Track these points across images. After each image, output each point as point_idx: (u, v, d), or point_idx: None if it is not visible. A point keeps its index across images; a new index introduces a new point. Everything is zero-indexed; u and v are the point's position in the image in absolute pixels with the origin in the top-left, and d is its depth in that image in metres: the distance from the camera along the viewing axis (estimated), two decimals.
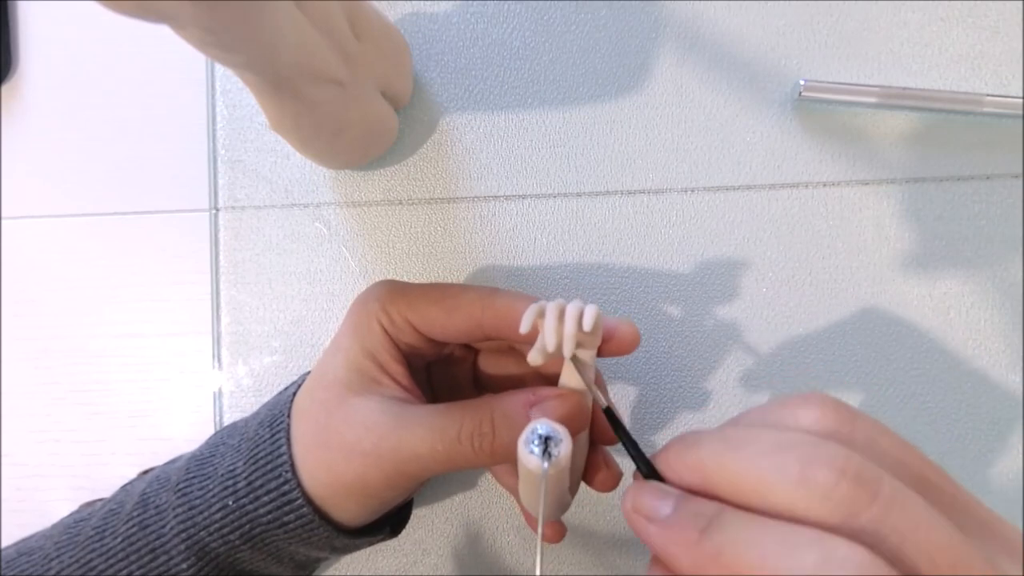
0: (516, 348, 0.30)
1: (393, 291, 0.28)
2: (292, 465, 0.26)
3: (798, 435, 0.18)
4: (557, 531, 0.30)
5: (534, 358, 0.23)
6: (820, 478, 0.16)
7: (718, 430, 0.20)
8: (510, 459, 0.27)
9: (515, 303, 0.26)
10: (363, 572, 0.35)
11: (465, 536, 0.35)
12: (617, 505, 0.35)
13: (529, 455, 0.21)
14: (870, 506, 0.16)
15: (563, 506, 0.28)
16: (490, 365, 0.31)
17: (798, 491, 0.17)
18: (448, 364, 0.31)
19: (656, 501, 0.19)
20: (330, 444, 0.26)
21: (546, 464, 0.21)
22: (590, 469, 0.28)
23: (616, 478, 0.28)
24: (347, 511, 0.26)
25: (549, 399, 0.24)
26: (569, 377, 0.25)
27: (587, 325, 0.22)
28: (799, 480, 0.17)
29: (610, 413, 0.24)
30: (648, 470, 0.21)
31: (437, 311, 0.27)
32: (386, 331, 0.27)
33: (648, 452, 0.22)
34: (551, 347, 0.22)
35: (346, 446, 0.25)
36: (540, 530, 0.22)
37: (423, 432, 0.24)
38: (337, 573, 0.35)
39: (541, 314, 0.23)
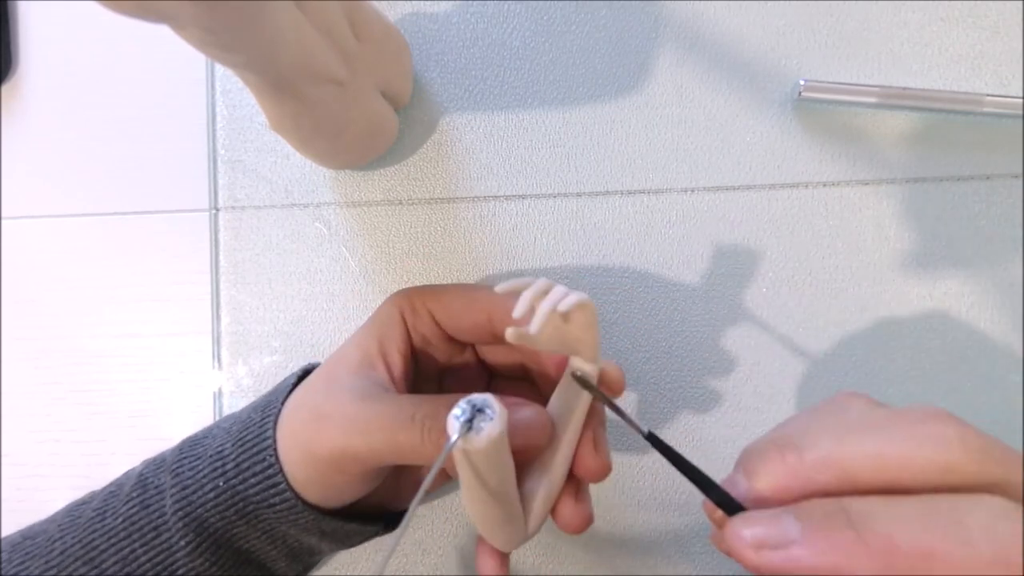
0: (533, 376, 0.30)
1: (422, 286, 0.29)
2: (275, 449, 0.26)
3: (913, 411, 0.20)
4: (502, 563, 0.27)
5: (509, 333, 0.22)
6: (957, 451, 0.18)
7: (826, 428, 0.20)
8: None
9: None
10: (363, 572, 0.35)
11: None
12: (616, 504, 0.35)
13: (451, 419, 0.19)
14: (996, 464, 0.18)
15: (514, 525, 0.24)
16: (505, 388, 0.31)
17: (942, 465, 0.18)
18: (462, 380, 0.31)
19: (776, 528, 0.19)
20: (300, 409, 0.27)
21: (455, 436, 0.19)
22: (559, 502, 0.27)
23: (585, 518, 0.26)
24: (305, 486, 0.26)
25: (509, 404, 0.23)
26: (560, 400, 0.24)
27: (564, 306, 0.21)
28: (939, 455, 0.18)
29: (668, 448, 0.22)
30: (732, 505, 0.20)
31: (458, 302, 0.28)
32: (404, 320, 0.28)
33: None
34: (517, 314, 0.21)
35: (311, 409, 0.26)
36: (410, 513, 0.19)
37: (381, 408, 0.25)
38: (338, 572, 0.35)
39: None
